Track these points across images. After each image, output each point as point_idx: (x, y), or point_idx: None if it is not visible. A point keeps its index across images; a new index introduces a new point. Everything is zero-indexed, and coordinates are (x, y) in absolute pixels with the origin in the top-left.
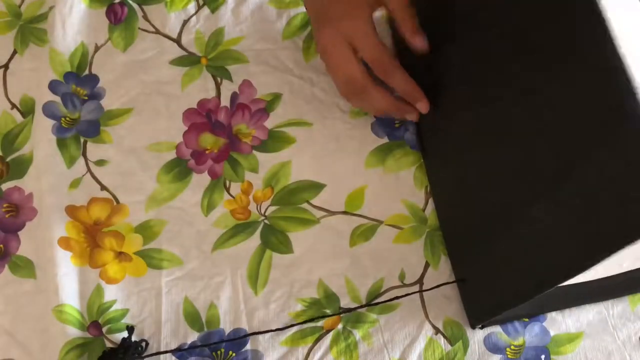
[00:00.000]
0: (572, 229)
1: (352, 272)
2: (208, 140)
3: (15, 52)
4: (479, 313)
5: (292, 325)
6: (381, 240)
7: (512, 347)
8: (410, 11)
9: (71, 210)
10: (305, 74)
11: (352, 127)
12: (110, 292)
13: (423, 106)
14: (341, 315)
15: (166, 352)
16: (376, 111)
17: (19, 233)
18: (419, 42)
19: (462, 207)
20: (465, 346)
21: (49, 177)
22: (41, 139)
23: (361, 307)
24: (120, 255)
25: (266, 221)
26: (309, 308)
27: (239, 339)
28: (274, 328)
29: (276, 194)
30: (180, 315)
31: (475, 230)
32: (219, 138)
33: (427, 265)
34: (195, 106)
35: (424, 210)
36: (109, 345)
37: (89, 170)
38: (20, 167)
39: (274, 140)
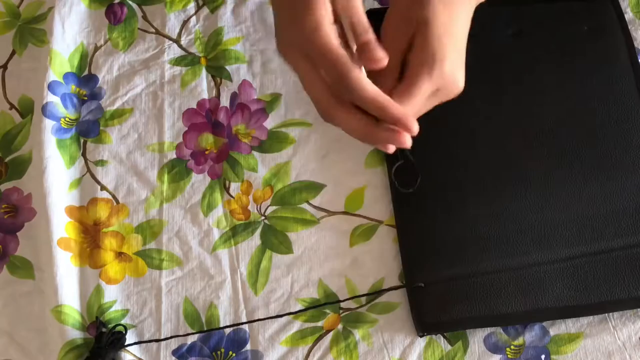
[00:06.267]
0: None
1: (352, 272)
2: (208, 141)
3: (13, 52)
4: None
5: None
6: (381, 240)
7: (512, 347)
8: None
9: (71, 211)
10: None
11: None
12: (110, 293)
13: (407, 133)
14: (341, 315)
15: (149, 341)
16: (354, 136)
17: (18, 234)
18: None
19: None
20: (465, 346)
21: (48, 178)
22: (41, 139)
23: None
24: (120, 256)
25: (266, 221)
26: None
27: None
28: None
29: (276, 194)
30: (180, 315)
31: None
32: (218, 138)
33: None
34: (194, 106)
35: None
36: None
37: (88, 170)
38: (19, 168)
39: (274, 141)
